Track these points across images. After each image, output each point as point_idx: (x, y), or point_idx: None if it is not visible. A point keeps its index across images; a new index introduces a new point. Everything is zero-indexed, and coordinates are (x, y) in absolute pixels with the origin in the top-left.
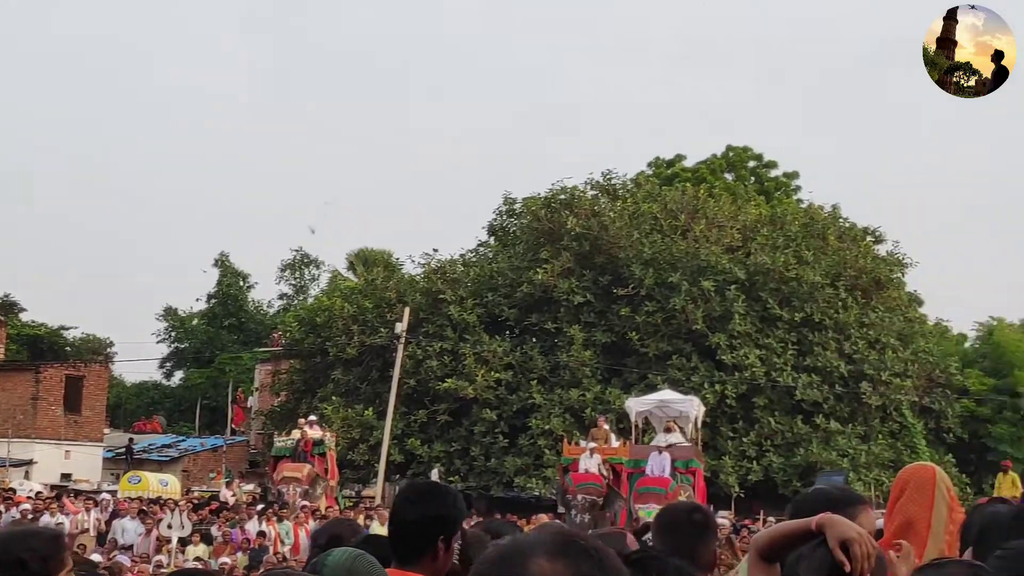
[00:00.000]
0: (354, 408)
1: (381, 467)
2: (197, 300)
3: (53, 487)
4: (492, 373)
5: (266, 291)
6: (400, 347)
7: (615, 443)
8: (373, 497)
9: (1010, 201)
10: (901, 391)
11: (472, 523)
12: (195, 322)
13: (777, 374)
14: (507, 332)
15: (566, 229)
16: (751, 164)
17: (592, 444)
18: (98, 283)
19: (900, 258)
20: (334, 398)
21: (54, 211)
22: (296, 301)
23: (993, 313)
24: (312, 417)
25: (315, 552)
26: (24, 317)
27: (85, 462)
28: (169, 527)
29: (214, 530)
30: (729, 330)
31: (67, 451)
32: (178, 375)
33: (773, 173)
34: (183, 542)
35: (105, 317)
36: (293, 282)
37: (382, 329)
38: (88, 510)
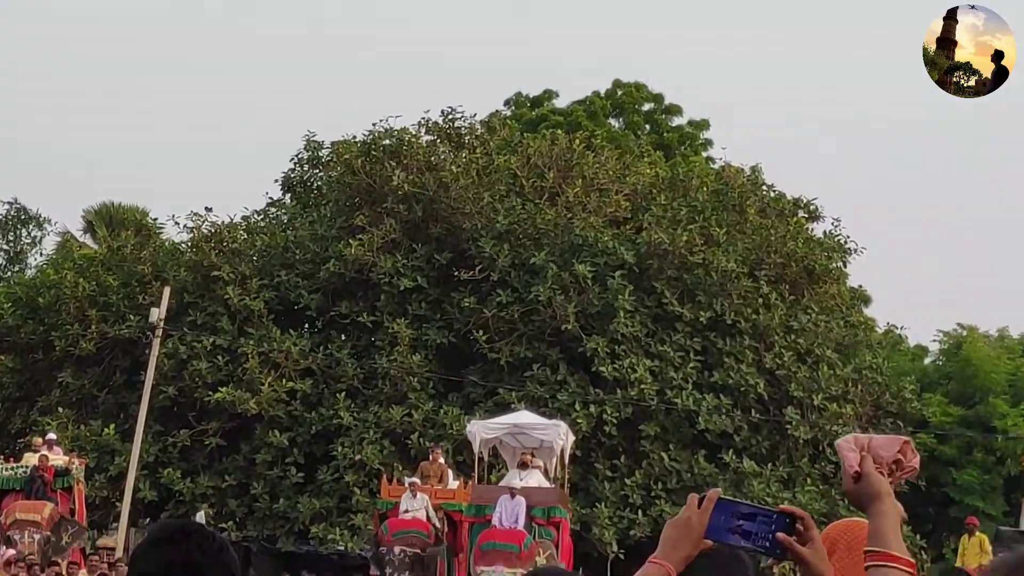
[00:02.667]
0: (89, 425)
1: (125, 506)
2: None
3: None
4: (284, 381)
5: None
6: (156, 341)
7: (452, 483)
8: (113, 548)
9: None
10: (839, 420)
11: None
12: None
13: (674, 393)
14: (306, 326)
15: (391, 187)
16: (646, 107)
17: (419, 482)
18: None
19: (842, 241)
20: (61, 410)
21: None
22: (8, 273)
23: (962, 320)
24: (51, 435)
25: None
26: None
27: None
28: None
29: None
30: (611, 332)
31: None
32: None
33: (676, 122)
34: None
35: None
36: (5, 247)
37: (131, 316)
38: None
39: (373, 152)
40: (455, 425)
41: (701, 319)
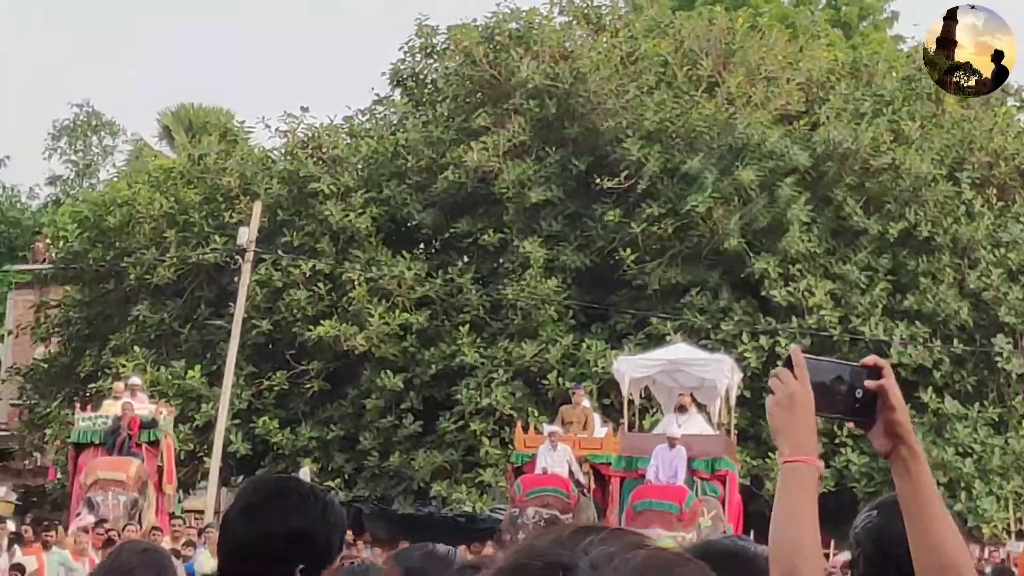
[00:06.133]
0: (170, 366)
1: (214, 462)
2: None
3: None
4: (396, 313)
5: (26, 171)
6: (246, 267)
7: (599, 430)
8: (202, 511)
9: None
10: None
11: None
12: None
13: (859, 321)
14: (420, 247)
15: (518, 79)
16: None
17: (560, 430)
18: None
19: None
20: (137, 349)
21: None
22: (76, 189)
23: None
24: (134, 379)
25: None
26: None
27: None
28: None
29: None
30: (782, 250)
31: None
32: None
33: None
34: None
35: None
36: (73, 158)
37: (216, 238)
38: None
39: (497, 38)
40: (599, 362)
41: (890, 232)
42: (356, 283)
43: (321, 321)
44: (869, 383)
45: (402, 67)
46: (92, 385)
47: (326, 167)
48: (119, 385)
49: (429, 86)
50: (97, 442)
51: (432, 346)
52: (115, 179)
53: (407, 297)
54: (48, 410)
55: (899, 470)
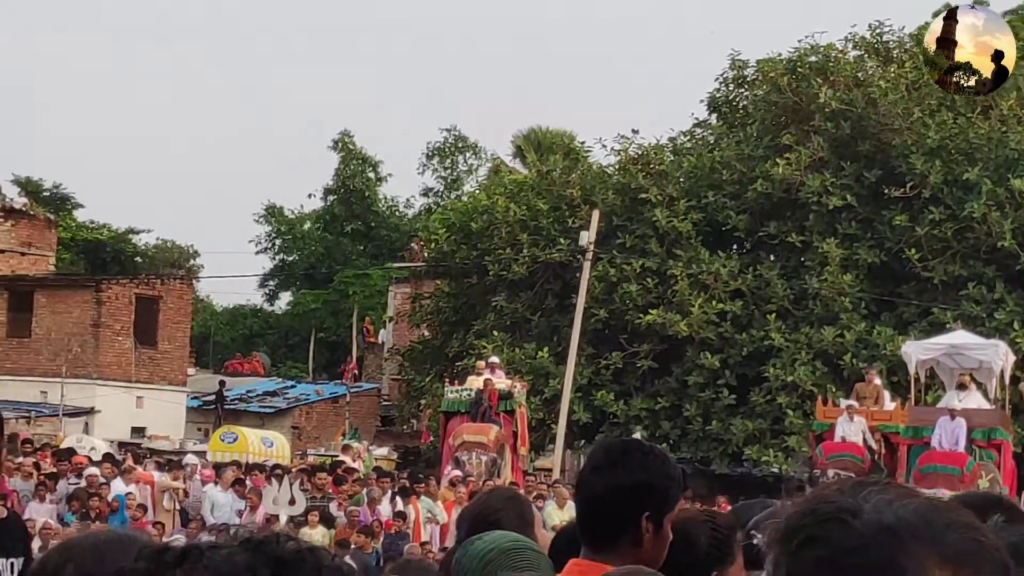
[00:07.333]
0: (523, 348)
1: (560, 429)
2: (310, 196)
3: (121, 445)
4: (713, 303)
5: (404, 185)
6: (586, 265)
7: (888, 404)
8: (549, 469)
9: None
10: None
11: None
12: (307, 226)
13: None
14: (734, 247)
15: (818, 104)
16: None
17: (855, 404)
18: (177, 172)
19: None
20: (496, 333)
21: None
22: (445, 200)
23: None
24: (493, 359)
25: (462, 537)
26: (80, 216)
27: (163, 412)
28: (275, 502)
29: (333, 508)
30: None
31: (139, 397)
32: (285, 298)
33: None
34: (295, 522)
35: (186, 218)
36: (443, 174)
37: (561, 240)
38: (175, 478)
39: (799, 69)
40: (888, 346)
41: None
42: (679, 278)
43: (650, 310)
44: None
45: (717, 95)
46: (458, 363)
47: (653, 180)
48: (481, 363)
49: (741, 111)
50: (463, 411)
51: (744, 331)
52: (477, 191)
53: (723, 289)
54: (422, 384)
55: None
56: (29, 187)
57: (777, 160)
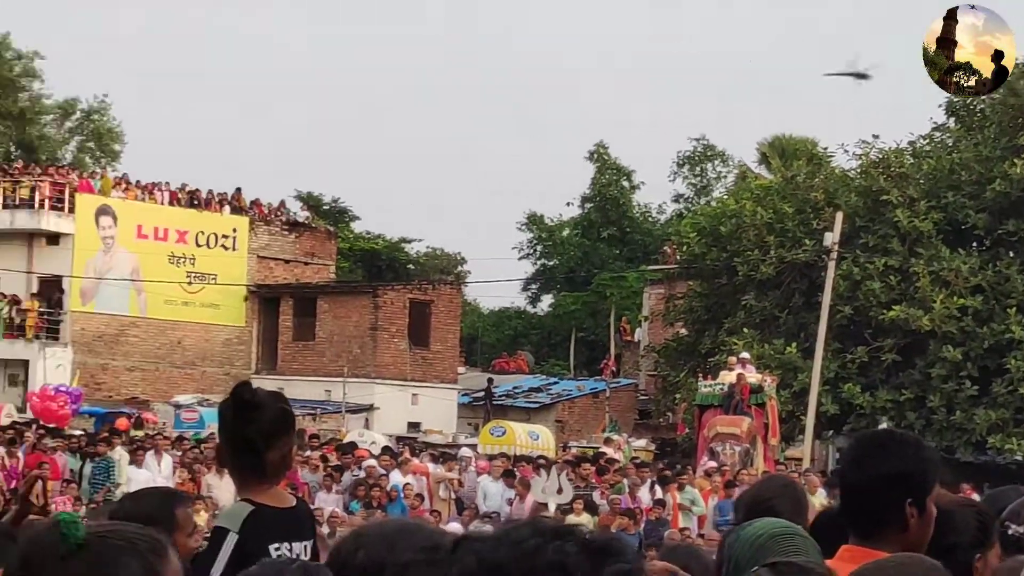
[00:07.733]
0: (772, 344)
1: (809, 420)
2: (568, 205)
3: (399, 439)
4: (955, 299)
5: (656, 192)
6: (831, 264)
7: None
8: (799, 459)
9: None
10: None
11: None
12: (566, 233)
13: None
14: (974, 244)
15: None
16: None
17: None
18: (445, 185)
19: None
20: (746, 330)
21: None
22: (695, 205)
23: None
24: (744, 355)
25: (739, 520)
26: (357, 227)
27: (436, 408)
28: (544, 492)
29: (596, 496)
30: None
31: (414, 394)
32: (546, 300)
33: None
34: (561, 510)
35: (455, 227)
36: (693, 181)
37: (807, 241)
38: (449, 470)
39: None
40: None
41: None
42: (921, 275)
43: (893, 306)
44: None
45: (955, 100)
46: (711, 359)
47: (894, 182)
48: (732, 359)
49: (978, 114)
50: (716, 404)
51: (985, 325)
52: (725, 196)
53: (964, 285)
54: (677, 379)
55: None
56: (311, 202)
57: (1015, 160)
